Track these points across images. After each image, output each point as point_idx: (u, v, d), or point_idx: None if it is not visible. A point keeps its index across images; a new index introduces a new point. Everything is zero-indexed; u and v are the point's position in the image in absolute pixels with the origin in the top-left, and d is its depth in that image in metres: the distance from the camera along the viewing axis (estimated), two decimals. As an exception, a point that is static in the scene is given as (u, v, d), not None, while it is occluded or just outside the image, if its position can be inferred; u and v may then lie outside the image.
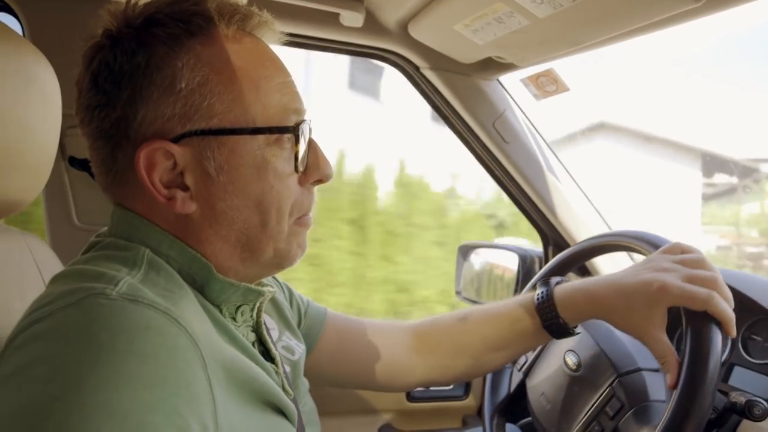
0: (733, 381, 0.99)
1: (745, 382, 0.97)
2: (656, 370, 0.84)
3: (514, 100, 1.32)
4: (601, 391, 0.83)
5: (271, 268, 0.63)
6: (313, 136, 0.62)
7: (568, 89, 1.18)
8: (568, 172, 1.39)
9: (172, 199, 0.55)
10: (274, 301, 0.78)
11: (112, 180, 0.58)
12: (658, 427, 0.66)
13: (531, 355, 1.00)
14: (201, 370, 0.46)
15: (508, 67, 1.20)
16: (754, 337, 1.00)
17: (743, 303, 0.98)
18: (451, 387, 1.46)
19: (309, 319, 0.86)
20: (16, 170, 0.70)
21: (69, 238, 1.13)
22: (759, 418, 0.72)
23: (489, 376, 1.05)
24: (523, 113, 1.34)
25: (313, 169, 0.61)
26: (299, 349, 0.76)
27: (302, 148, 0.59)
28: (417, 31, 1.14)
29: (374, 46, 1.22)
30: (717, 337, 0.68)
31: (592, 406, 0.83)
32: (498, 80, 1.30)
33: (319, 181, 0.63)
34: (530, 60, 1.12)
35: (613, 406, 0.80)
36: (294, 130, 0.58)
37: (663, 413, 0.67)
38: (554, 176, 1.35)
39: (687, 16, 0.81)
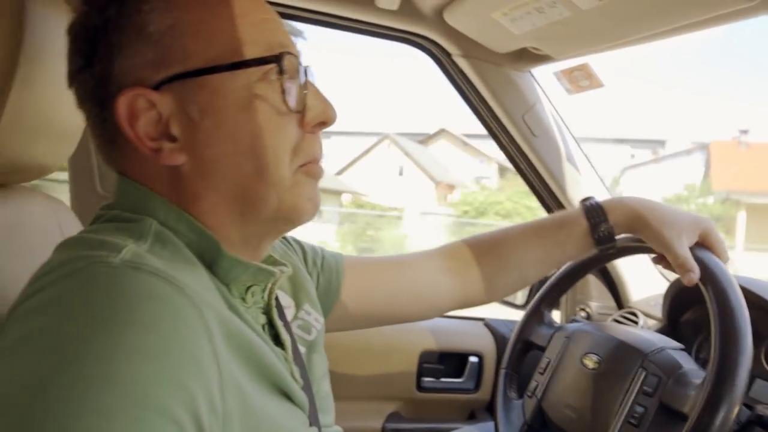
0: (754, 393, 0.98)
1: (766, 394, 0.96)
2: (679, 349, 0.86)
3: (545, 93, 1.30)
4: (633, 375, 0.82)
5: (278, 223, 0.58)
6: (310, 79, 0.58)
7: (602, 85, 1.15)
8: (595, 170, 1.36)
9: (158, 150, 0.53)
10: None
11: (106, 146, 0.56)
12: (710, 368, 0.69)
13: (541, 379, 0.98)
14: (206, 342, 0.43)
15: (542, 59, 1.18)
16: (778, 349, 0.98)
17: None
18: (462, 380, 1.46)
19: (326, 271, 0.82)
20: (47, 134, 0.69)
21: (92, 206, 1.12)
22: None
23: (500, 409, 1.01)
24: (554, 107, 1.31)
25: (313, 111, 0.57)
26: (317, 324, 0.74)
27: (291, 82, 0.54)
28: (453, 18, 1.11)
29: (408, 30, 1.20)
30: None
31: (628, 391, 0.82)
32: (530, 72, 1.28)
33: (323, 124, 0.58)
34: (567, 53, 1.09)
35: (649, 383, 0.80)
36: (276, 60, 0.53)
37: (703, 374, 0.71)
38: (581, 174, 1.33)
39: (739, 15, 0.79)
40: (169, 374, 0.39)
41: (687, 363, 0.82)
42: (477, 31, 1.13)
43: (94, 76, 0.53)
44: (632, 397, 0.81)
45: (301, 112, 0.56)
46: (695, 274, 0.77)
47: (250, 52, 0.53)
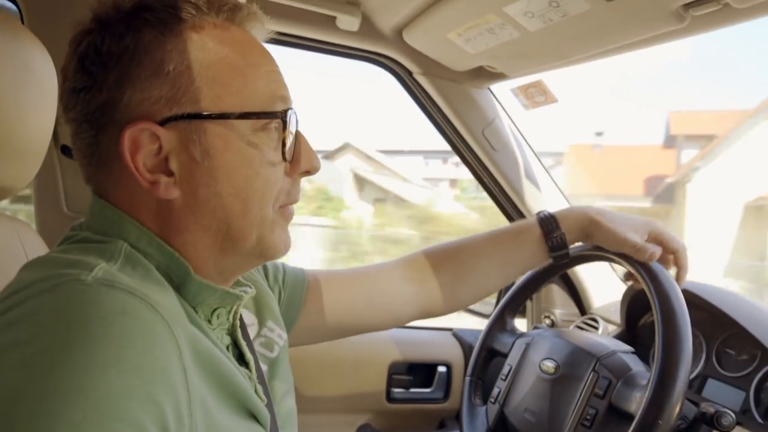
0: (706, 393, 1.02)
1: (717, 394, 1.00)
2: (630, 352, 0.89)
3: (504, 109, 1.35)
4: (586, 378, 0.86)
5: (253, 258, 0.61)
6: (299, 129, 0.61)
7: (556, 100, 1.20)
8: (554, 182, 1.41)
9: (155, 183, 0.54)
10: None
11: (94, 167, 0.56)
12: (653, 370, 0.73)
13: (503, 385, 1.01)
14: (176, 359, 0.45)
15: (498, 76, 1.22)
16: (728, 350, 1.03)
17: (717, 317, 1.01)
18: (431, 389, 1.48)
19: (288, 287, 0.84)
20: (9, 156, 0.70)
21: (57, 226, 1.13)
22: (726, 429, 0.74)
23: (465, 415, 1.04)
24: (512, 122, 1.36)
25: (300, 161, 0.61)
26: (281, 341, 0.75)
27: (289, 135, 0.58)
28: (411, 38, 1.16)
29: (369, 50, 1.24)
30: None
31: (581, 394, 0.85)
32: (489, 89, 1.32)
33: (307, 173, 0.62)
34: (520, 71, 1.14)
35: (600, 385, 0.83)
36: (281, 116, 0.57)
37: (650, 376, 0.74)
38: (541, 186, 1.38)
39: (672, 36, 0.84)
40: (141, 388, 0.41)
41: (636, 365, 0.85)
42: (435, 50, 1.18)
43: (98, 99, 0.53)
44: (585, 400, 0.84)
45: (291, 161, 0.60)
46: (657, 249, 0.83)
47: (258, 104, 0.56)
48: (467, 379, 1.06)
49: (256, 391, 0.63)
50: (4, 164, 0.70)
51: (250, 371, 0.64)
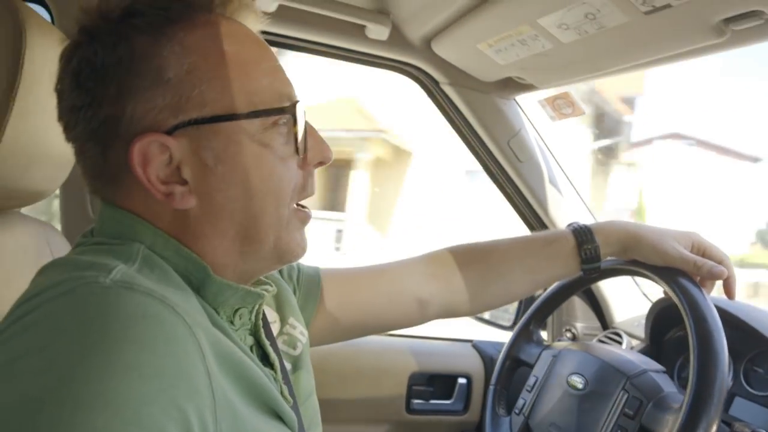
0: (733, 411, 1.00)
1: (745, 413, 0.98)
2: (661, 371, 0.88)
3: (530, 120, 1.34)
4: (615, 397, 0.85)
5: (271, 261, 0.60)
6: (307, 119, 0.60)
7: (583, 112, 1.19)
8: (580, 196, 1.40)
9: (170, 195, 0.53)
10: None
11: (104, 183, 0.55)
12: (688, 393, 0.71)
13: (528, 396, 0.99)
14: (200, 362, 0.44)
15: (526, 87, 1.22)
16: (756, 368, 1.01)
17: (746, 334, 0.99)
18: (451, 401, 1.46)
19: (303, 285, 0.83)
20: (42, 161, 0.71)
21: (83, 231, 1.13)
22: None
23: (488, 425, 1.02)
24: (538, 134, 1.35)
25: (313, 152, 0.60)
26: (303, 338, 0.74)
27: (300, 129, 0.57)
28: (440, 48, 1.16)
29: (397, 59, 1.24)
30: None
31: (610, 413, 0.84)
32: (515, 100, 1.32)
33: (320, 164, 0.61)
34: (550, 82, 1.14)
35: (631, 405, 0.82)
36: (291, 110, 0.56)
37: (682, 398, 0.73)
38: (567, 199, 1.37)
39: (710, 50, 0.83)
40: (164, 393, 0.39)
41: (667, 386, 0.84)
42: (463, 60, 1.17)
43: (100, 116, 0.51)
44: (614, 419, 0.83)
45: (304, 154, 0.59)
46: (707, 261, 0.81)
47: (266, 101, 0.55)
48: (491, 387, 1.05)
49: (281, 392, 0.62)
50: (36, 168, 0.70)
51: (275, 372, 0.63)
